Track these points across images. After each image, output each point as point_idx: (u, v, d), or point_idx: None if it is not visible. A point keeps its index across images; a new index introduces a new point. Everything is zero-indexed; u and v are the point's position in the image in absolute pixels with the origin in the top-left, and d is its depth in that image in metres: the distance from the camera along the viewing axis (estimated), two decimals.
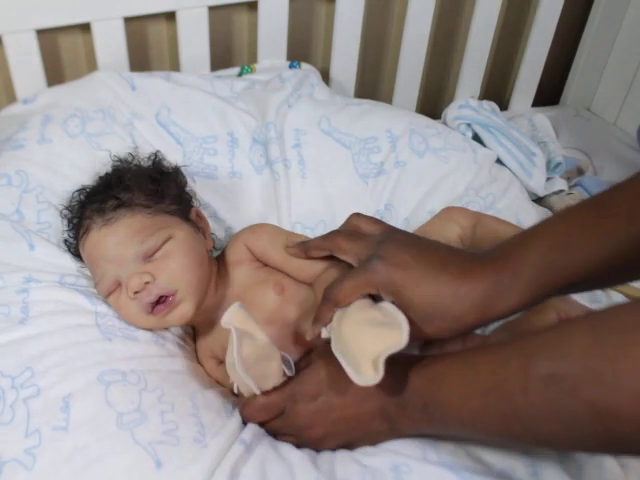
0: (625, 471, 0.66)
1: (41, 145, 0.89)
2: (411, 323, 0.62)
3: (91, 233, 0.76)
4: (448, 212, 0.91)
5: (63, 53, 1.06)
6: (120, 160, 0.86)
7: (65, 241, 0.82)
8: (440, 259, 0.64)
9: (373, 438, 0.68)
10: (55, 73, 1.04)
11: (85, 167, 0.88)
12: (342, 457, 0.67)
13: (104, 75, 0.98)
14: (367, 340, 0.62)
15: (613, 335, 0.49)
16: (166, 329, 0.80)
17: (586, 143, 1.26)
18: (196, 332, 0.83)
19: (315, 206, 0.97)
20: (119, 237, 0.75)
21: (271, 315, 0.77)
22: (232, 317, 0.65)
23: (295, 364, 0.70)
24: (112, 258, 0.75)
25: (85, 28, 1.01)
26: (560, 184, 1.13)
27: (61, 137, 0.90)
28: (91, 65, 1.04)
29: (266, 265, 0.82)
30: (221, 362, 0.79)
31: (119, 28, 1.00)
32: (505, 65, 1.39)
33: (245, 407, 0.70)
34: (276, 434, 0.71)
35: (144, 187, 0.80)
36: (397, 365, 0.63)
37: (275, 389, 0.68)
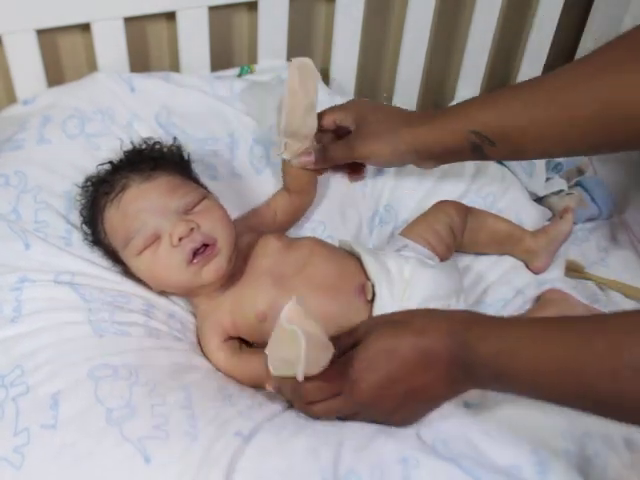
0: (629, 471, 0.66)
1: (40, 146, 0.89)
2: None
3: (129, 189, 0.78)
4: (440, 204, 0.94)
5: (63, 53, 1.05)
6: (143, 142, 0.88)
7: (80, 212, 0.84)
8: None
9: (439, 403, 0.69)
10: (55, 73, 1.04)
11: (84, 168, 0.88)
12: (349, 445, 0.66)
13: (104, 76, 0.98)
14: None
15: None
16: (166, 322, 0.80)
17: None
18: (201, 314, 0.83)
19: (315, 207, 0.97)
20: (162, 190, 0.78)
21: (276, 261, 0.82)
22: (292, 316, 0.63)
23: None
24: (155, 209, 0.77)
25: (85, 28, 1.01)
26: (560, 184, 1.13)
27: (60, 138, 0.90)
28: (91, 65, 1.04)
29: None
30: (230, 338, 0.81)
31: (119, 28, 1.00)
32: (505, 64, 1.39)
33: (299, 389, 0.68)
34: (341, 416, 0.70)
35: (173, 158, 0.85)
36: (458, 326, 0.65)
37: (326, 371, 0.65)
